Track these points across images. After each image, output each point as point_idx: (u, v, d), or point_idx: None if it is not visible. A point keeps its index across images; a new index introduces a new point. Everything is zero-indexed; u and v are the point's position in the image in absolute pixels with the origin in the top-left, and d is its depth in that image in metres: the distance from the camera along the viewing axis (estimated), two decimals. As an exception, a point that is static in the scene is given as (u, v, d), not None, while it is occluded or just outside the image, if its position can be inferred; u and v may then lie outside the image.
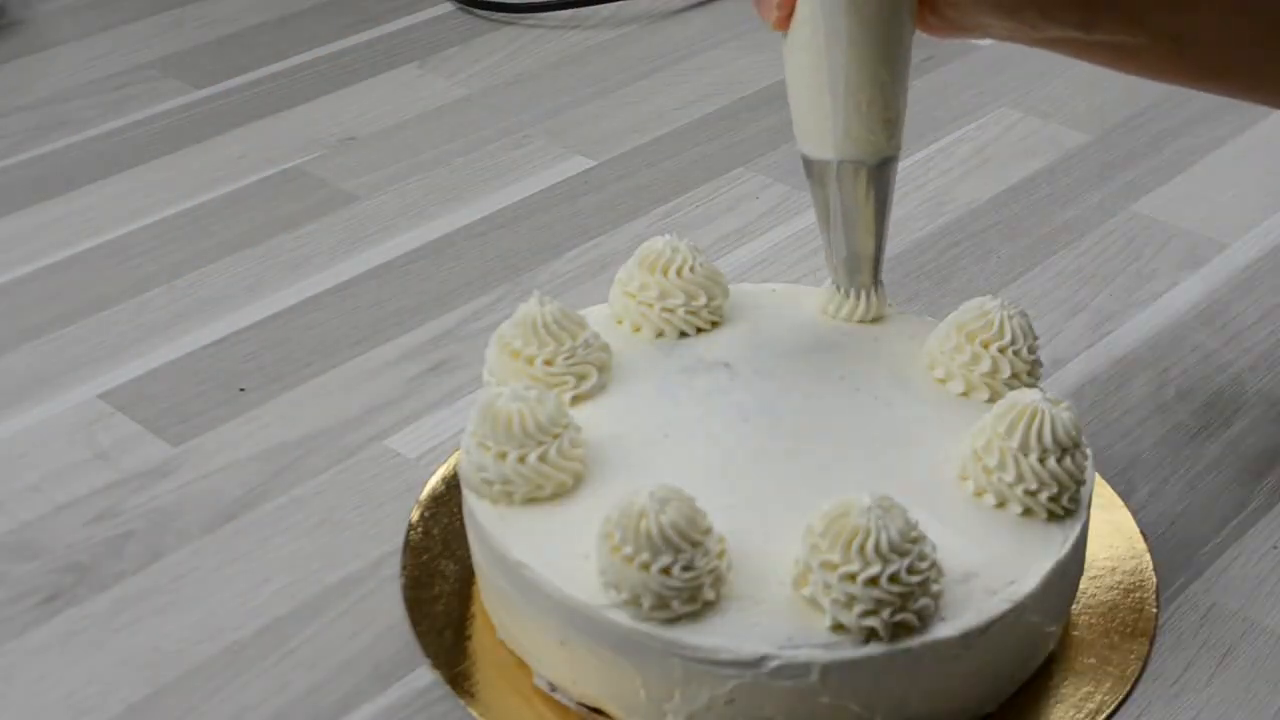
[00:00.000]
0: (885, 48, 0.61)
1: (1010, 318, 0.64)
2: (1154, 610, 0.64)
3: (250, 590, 0.67)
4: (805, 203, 0.95)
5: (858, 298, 0.68)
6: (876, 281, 0.68)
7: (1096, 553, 0.65)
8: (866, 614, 0.53)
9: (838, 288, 0.68)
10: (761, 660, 0.54)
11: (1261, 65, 0.59)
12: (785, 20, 0.62)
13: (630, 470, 0.61)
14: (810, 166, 0.64)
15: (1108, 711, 0.60)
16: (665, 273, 0.68)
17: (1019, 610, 0.56)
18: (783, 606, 0.55)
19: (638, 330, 0.69)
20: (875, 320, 0.69)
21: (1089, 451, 0.61)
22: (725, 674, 0.54)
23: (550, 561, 0.57)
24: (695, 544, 0.54)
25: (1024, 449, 0.58)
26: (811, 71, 0.62)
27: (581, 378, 0.65)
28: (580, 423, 0.61)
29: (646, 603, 0.54)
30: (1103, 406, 0.77)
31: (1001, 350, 0.64)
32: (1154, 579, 0.66)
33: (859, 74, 0.61)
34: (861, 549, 0.53)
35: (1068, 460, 0.59)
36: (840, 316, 0.69)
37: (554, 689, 0.60)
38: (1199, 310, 0.85)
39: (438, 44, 1.18)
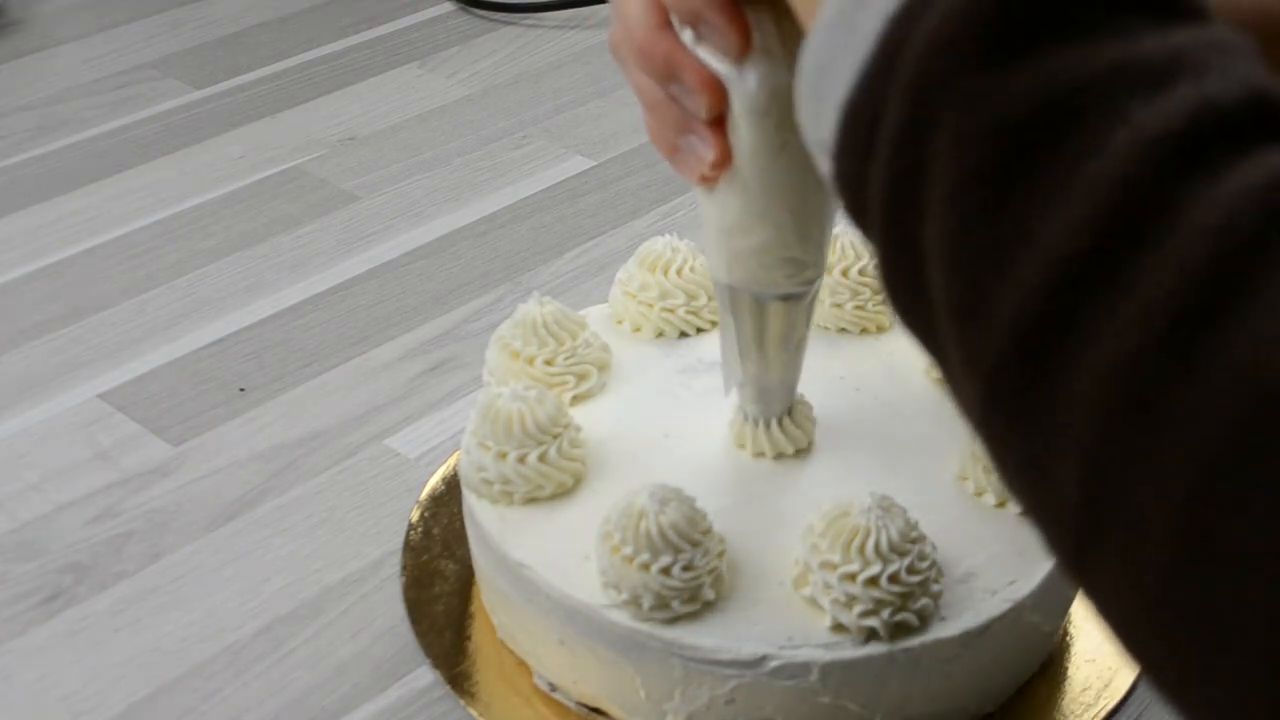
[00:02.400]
0: (783, 191, 0.51)
1: (1010, 318, 0.64)
2: (1154, 610, 0.64)
3: (250, 590, 0.67)
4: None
5: (765, 428, 0.61)
6: (786, 413, 0.61)
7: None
8: (866, 614, 0.53)
9: (744, 416, 0.62)
10: (761, 660, 0.54)
11: None
12: (715, 180, 0.52)
13: (630, 470, 0.61)
14: (716, 287, 0.57)
15: (1108, 711, 0.60)
16: (665, 273, 0.68)
17: (1019, 610, 0.56)
18: (783, 606, 0.55)
19: (638, 330, 0.69)
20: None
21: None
22: (725, 674, 0.54)
23: (550, 561, 0.57)
24: (695, 544, 0.54)
25: (1024, 449, 0.58)
26: (715, 197, 0.53)
27: (581, 378, 0.65)
28: (580, 423, 0.61)
29: (646, 603, 0.54)
30: (1103, 406, 0.77)
31: (1001, 350, 0.64)
32: (1154, 579, 0.66)
33: (746, 214, 0.53)
34: (861, 549, 0.53)
35: (1068, 460, 0.59)
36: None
37: (554, 689, 0.60)
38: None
39: (438, 44, 1.18)
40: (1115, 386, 0.29)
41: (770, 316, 0.56)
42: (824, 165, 0.38)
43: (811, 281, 0.55)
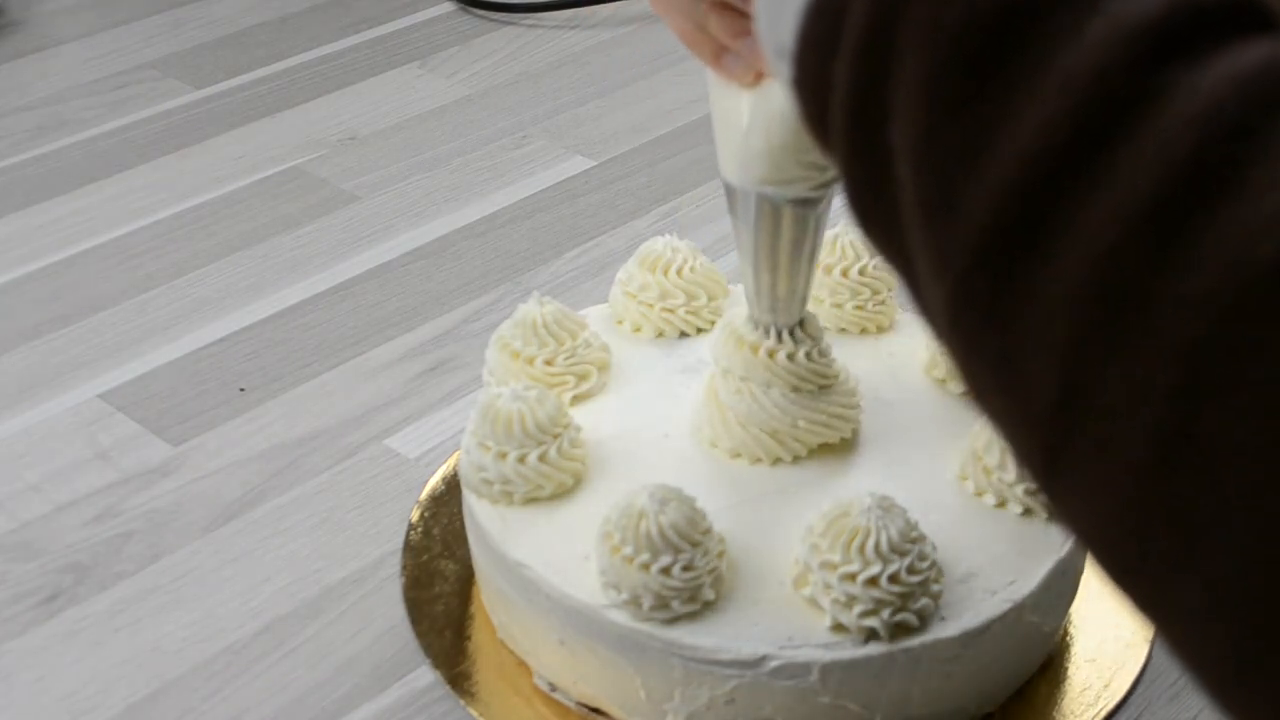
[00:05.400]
0: None
1: (1010, 318, 0.64)
2: (1154, 610, 0.64)
3: (250, 590, 0.67)
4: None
5: (776, 338, 0.61)
6: (800, 323, 0.61)
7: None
8: (866, 614, 0.53)
9: (755, 324, 0.61)
10: (761, 660, 0.54)
11: None
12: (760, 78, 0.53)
13: (630, 470, 0.61)
14: (729, 193, 0.58)
15: (1108, 711, 0.60)
16: (665, 273, 0.68)
17: (1019, 610, 0.56)
18: (783, 606, 0.55)
19: (638, 330, 0.69)
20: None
21: (1089, 451, 0.61)
22: (725, 674, 0.54)
23: (550, 561, 0.57)
24: (695, 544, 0.54)
25: (1024, 449, 0.58)
26: (736, 97, 0.54)
27: (581, 378, 0.65)
28: (580, 423, 0.61)
29: (646, 603, 0.54)
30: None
31: (1001, 350, 0.64)
32: (1154, 579, 0.66)
33: (770, 113, 0.53)
34: (861, 549, 0.53)
35: (1068, 460, 0.59)
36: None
37: (554, 689, 0.60)
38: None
39: (438, 44, 1.18)
40: (1096, 279, 0.28)
41: (784, 222, 0.57)
42: (781, 70, 0.37)
43: (827, 185, 0.56)
